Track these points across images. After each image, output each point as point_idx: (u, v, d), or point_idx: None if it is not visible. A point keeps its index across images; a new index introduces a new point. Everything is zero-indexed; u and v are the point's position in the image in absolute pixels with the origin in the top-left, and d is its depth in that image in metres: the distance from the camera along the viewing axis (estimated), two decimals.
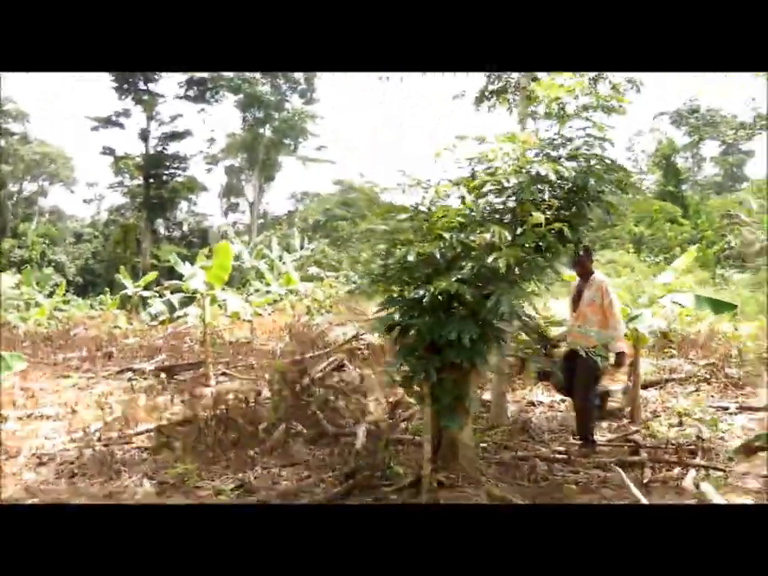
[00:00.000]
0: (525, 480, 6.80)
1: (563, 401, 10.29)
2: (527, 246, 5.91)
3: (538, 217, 5.71)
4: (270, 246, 35.11)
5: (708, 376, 11.67)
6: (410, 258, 5.77)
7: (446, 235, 5.92)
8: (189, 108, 51.37)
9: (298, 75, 51.50)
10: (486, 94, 11.08)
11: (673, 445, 7.75)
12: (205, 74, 48.55)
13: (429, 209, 6.34)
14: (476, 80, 11.23)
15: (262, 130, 52.29)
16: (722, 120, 54.37)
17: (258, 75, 49.71)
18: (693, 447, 7.73)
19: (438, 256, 5.87)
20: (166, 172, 49.87)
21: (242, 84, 49.21)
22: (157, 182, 49.27)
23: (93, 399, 10.80)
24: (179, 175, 50.73)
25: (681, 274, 10.06)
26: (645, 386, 10.59)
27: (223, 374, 13.38)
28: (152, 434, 8.42)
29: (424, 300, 5.71)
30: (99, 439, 8.31)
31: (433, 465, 6.12)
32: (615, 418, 9.44)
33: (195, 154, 52.53)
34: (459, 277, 5.75)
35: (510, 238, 5.68)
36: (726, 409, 9.81)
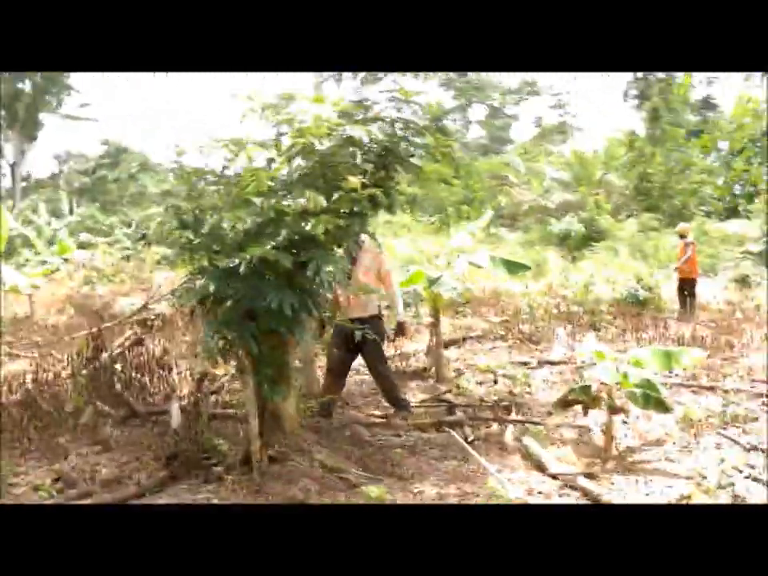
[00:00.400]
0: (350, 446, 6.80)
1: None
2: (342, 211, 5.85)
3: (354, 182, 5.62)
4: (37, 210, 32.98)
5: (503, 333, 12.18)
6: (224, 225, 5.55)
7: (257, 200, 5.74)
8: None
9: None
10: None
11: (486, 402, 8.03)
12: None
13: (236, 173, 6.11)
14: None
15: (21, 85, 48.65)
16: (489, 85, 56.48)
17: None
18: (507, 404, 8.05)
19: (249, 222, 5.71)
20: None
21: None
22: None
23: None
24: None
25: (477, 236, 10.38)
26: (445, 346, 10.90)
27: (8, 354, 12.41)
28: None
29: (240, 269, 5.49)
30: None
31: (260, 439, 5.98)
32: (421, 378, 9.67)
33: None
34: (273, 244, 5.59)
35: (324, 204, 5.56)
36: (526, 364, 10.29)
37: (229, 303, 5.80)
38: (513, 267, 9.76)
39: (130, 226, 36.27)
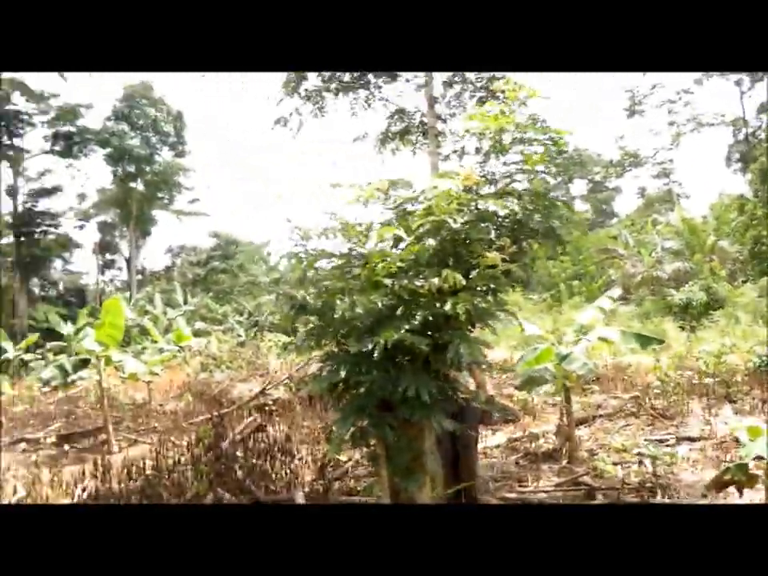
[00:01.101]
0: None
1: (497, 446, 10.06)
2: (479, 289, 5.58)
3: (494, 257, 5.35)
4: (153, 301, 33.93)
5: (635, 409, 11.58)
6: (358, 309, 5.34)
7: (387, 282, 5.53)
8: (57, 163, 48.89)
9: (168, 128, 50.30)
10: (389, 135, 10.86)
11: (629, 485, 7.53)
12: (72, 128, 46.92)
13: (362, 255, 5.93)
14: (376, 123, 11.07)
15: (133, 184, 50.79)
16: (589, 159, 56.16)
17: (126, 128, 48.26)
18: (651, 485, 7.50)
19: (380, 305, 5.49)
20: (38, 230, 47.63)
21: (110, 137, 47.69)
22: (28, 241, 46.96)
23: None
24: (51, 233, 48.62)
25: (605, 312, 9.93)
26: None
27: (126, 439, 12.50)
28: None
29: (374, 354, 5.24)
30: None
31: None
32: (553, 460, 9.21)
33: (66, 210, 50.52)
34: (408, 327, 5.32)
35: (463, 282, 5.29)
36: (663, 441, 9.68)
37: (362, 390, 5.55)
38: (645, 341, 9.30)
39: (242, 314, 37.06)
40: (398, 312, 5.54)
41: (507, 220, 5.91)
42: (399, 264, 5.62)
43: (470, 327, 5.77)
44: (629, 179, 60.08)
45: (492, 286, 5.64)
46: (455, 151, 8.73)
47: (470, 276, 5.59)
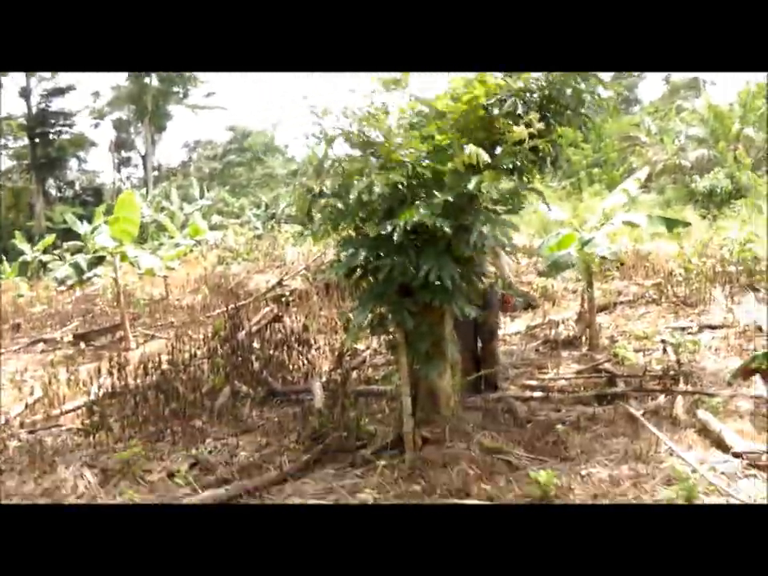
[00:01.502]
0: (509, 425, 6.25)
1: (516, 333, 9.88)
2: (504, 167, 5.25)
3: (521, 132, 4.98)
4: (169, 197, 33.66)
5: (656, 296, 11.31)
6: (376, 190, 5.01)
7: (408, 161, 5.19)
8: None
9: None
10: None
11: (651, 372, 7.34)
12: None
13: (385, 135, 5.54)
14: None
15: (148, 80, 49.75)
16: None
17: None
18: (673, 373, 7.30)
19: (401, 186, 5.18)
20: (52, 130, 46.87)
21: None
22: (43, 142, 46.25)
23: (7, 378, 9.65)
24: (66, 132, 47.91)
25: (630, 196, 9.54)
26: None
27: (143, 335, 12.40)
28: (82, 412, 7.49)
29: (394, 237, 4.95)
30: (22, 425, 7.40)
31: (414, 419, 5.50)
32: (573, 347, 9.04)
33: (80, 109, 49.68)
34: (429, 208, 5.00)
35: (488, 159, 4.94)
36: (685, 329, 9.45)
37: (381, 275, 5.27)
38: (671, 224, 8.96)
39: (259, 206, 36.74)
40: (419, 194, 5.25)
41: (535, 95, 5.53)
42: (419, 144, 5.27)
43: (494, 208, 5.45)
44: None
45: (518, 163, 5.29)
46: None
47: (495, 154, 5.23)
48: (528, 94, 5.45)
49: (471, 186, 4.89)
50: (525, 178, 5.64)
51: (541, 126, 5.15)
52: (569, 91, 5.46)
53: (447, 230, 4.90)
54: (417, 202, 5.11)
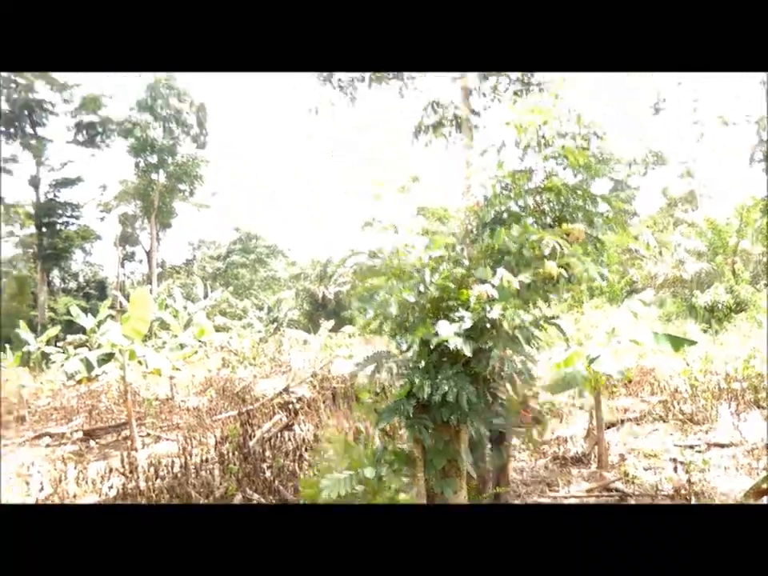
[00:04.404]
0: None
1: (525, 449, 9.94)
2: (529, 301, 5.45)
3: (552, 268, 5.18)
4: (173, 295, 33.93)
5: (663, 413, 11.40)
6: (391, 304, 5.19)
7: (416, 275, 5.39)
8: (79, 153, 48.74)
9: (191, 120, 50.23)
10: (423, 128, 10.76)
11: (662, 491, 7.39)
12: (95, 118, 46.95)
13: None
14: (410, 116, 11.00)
15: (155, 176, 50.69)
16: (612, 157, 55.59)
17: (149, 119, 48.16)
18: (685, 492, 7.35)
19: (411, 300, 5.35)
20: (59, 220, 47.55)
21: (133, 128, 47.59)
22: (50, 231, 46.87)
23: (14, 473, 9.67)
24: (72, 223, 48.55)
25: (636, 316, 9.73)
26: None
27: (148, 435, 12.42)
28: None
29: (408, 354, 5.11)
30: None
31: None
32: (582, 464, 9.08)
33: (88, 201, 50.44)
34: (453, 330, 5.14)
35: (516, 287, 5.15)
36: (693, 447, 9.52)
37: (399, 389, 5.41)
38: (678, 343, 9.09)
39: (261, 309, 37.04)
40: (428, 308, 5.42)
41: (548, 217, 5.77)
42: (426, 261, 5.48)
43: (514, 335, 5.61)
44: (651, 178, 59.50)
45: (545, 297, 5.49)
46: (493, 145, 8.49)
47: (523, 284, 5.39)
48: (543, 216, 5.68)
49: (494, 314, 5.04)
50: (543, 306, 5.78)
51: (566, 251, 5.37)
52: (580, 214, 5.68)
53: (467, 352, 5.05)
54: (438, 320, 5.26)
